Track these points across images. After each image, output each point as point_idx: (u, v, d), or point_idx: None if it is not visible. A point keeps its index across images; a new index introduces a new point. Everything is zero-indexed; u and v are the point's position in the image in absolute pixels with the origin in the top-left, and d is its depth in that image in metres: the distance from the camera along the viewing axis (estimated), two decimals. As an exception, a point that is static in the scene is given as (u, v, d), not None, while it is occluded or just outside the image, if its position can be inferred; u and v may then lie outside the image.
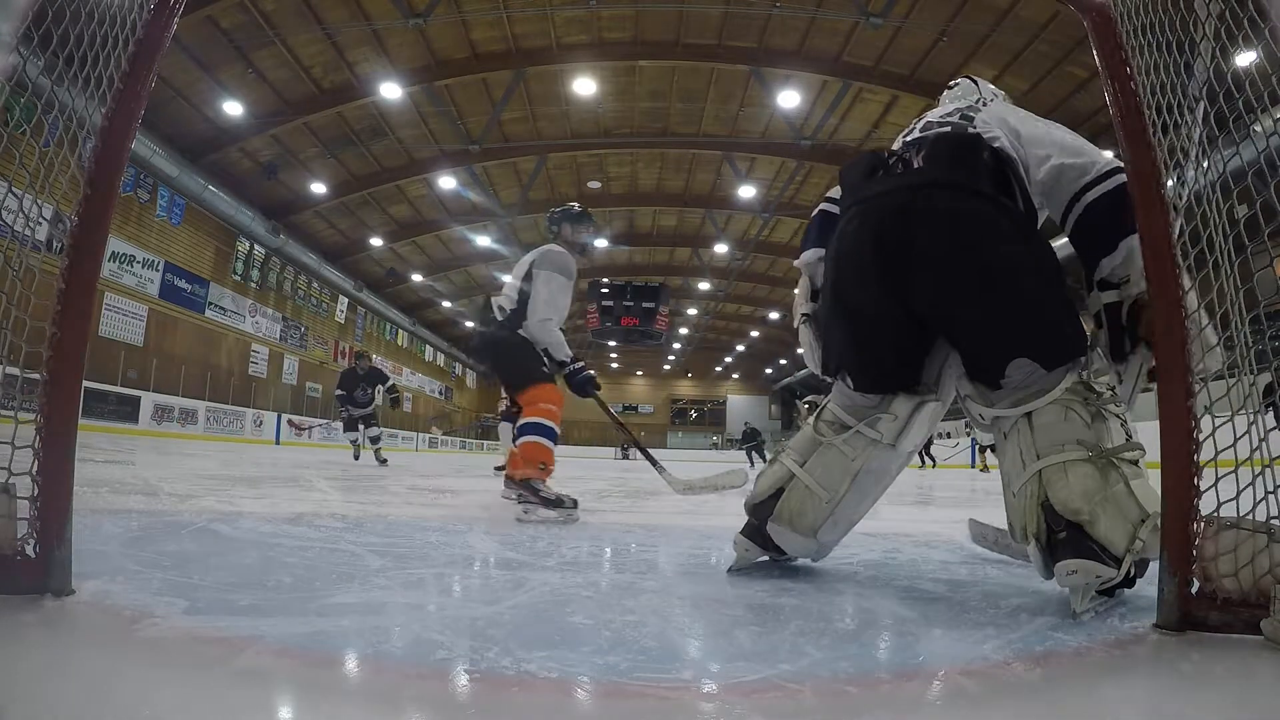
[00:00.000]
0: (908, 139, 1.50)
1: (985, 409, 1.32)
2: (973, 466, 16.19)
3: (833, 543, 1.49)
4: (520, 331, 2.87)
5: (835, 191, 1.58)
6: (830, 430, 1.44)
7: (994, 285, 1.23)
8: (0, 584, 0.95)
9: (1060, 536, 1.12)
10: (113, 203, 1.09)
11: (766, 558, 1.52)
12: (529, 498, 2.63)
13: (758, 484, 1.51)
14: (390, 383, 8.83)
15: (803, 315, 1.60)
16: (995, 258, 1.23)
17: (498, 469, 7.06)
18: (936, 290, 1.26)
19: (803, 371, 37.69)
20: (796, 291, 1.66)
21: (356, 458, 8.53)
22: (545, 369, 2.87)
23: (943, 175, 1.28)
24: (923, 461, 13.75)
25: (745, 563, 1.51)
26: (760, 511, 1.47)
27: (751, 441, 20.15)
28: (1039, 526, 1.16)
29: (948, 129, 1.44)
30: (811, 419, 1.50)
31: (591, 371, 2.95)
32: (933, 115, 1.56)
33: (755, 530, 1.48)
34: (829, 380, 1.53)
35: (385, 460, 8.23)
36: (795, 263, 1.62)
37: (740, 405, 43.90)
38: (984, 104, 1.61)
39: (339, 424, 10.28)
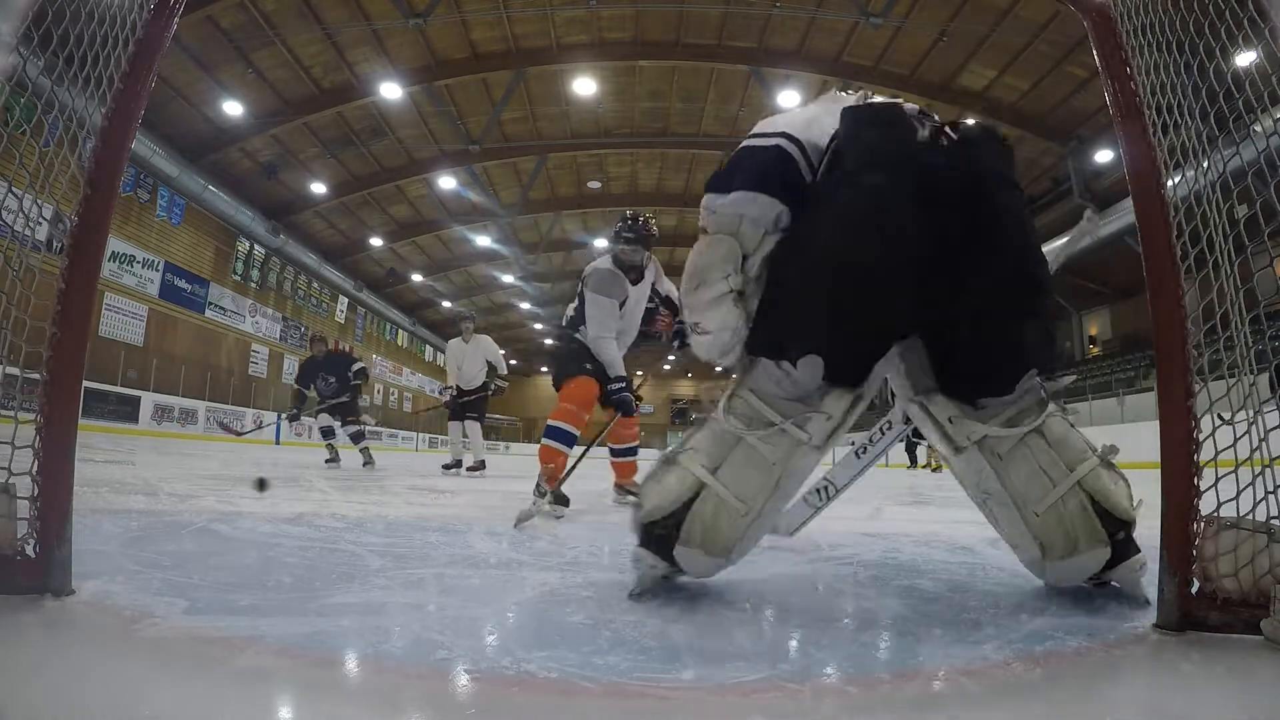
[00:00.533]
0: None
1: (976, 427, 1.20)
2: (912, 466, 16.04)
3: (741, 557, 1.28)
4: (577, 335, 3.24)
5: (789, 125, 1.26)
6: (746, 425, 1.20)
7: (1039, 293, 1.21)
8: (0, 584, 0.95)
9: (1119, 538, 1.16)
10: (113, 203, 1.09)
11: (668, 572, 1.24)
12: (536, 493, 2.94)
13: (651, 494, 1.22)
14: (359, 365, 7.31)
15: (732, 291, 1.21)
16: (1041, 265, 1.21)
17: (446, 468, 6.58)
18: (988, 293, 1.15)
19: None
20: (700, 254, 1.24)
21: (331, 460, 6.76)
22: (587, 366, 3.18)
23: (1004, 170, 1.20)
24: (913, 461, 13.69)
25: (650, 582, 1.22)
26: (662, 529, 1.19)
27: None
28: (1102, 535, 1.15)
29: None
30: (720, 407, 1.23)
31: (628, 395, 3.23)
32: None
33: (663, 543, 1.19)
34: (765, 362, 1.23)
35: (371, 461, 6.90)
36: (722, 201, 1.22)
37: (740, 405, 43.81)
38: None
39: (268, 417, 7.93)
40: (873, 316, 1.17)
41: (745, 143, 1.27)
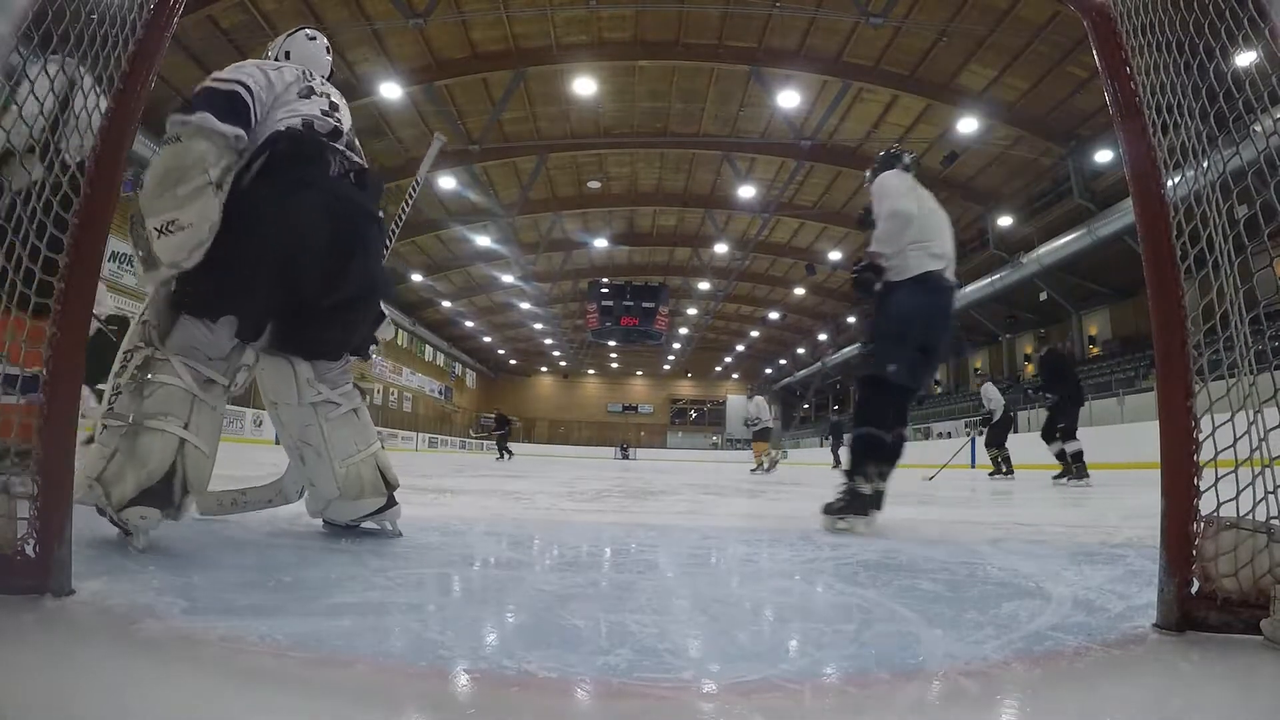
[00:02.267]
0: (333, 117, 1.76)
1: (324, 390, 1.71)
2: (972, 466, 16.17)
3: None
4: None
5: (248, 79, 1.60)
6: (197, 385, 1.46)
7: (375, 302, 1.83)
8: (0, 584, 0.95)
9: (390, 492, 1.80)
10: (113, 203, 1.09)
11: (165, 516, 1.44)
12: None
13: (129, 465, 1.37)
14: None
15: (211, 183, 1.43)
16: (384, 285, 1.91)
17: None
18: (349, 293, 1.68)
19: (803, 371, 37.66)
20: (175, 154, 1.43)
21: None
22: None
23: (374, 209, 1.77)
24: (501, 454, 13.89)
25: (148, 529, 1.39)
26: (162, 496, 1.38)
27: (501, 430, 17.63)
28: (384, 490, 1.77)
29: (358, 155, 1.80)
30: (178, 378, 1.44)
31: None
32: (336, 99, 1.83)
33: (160, 495, 1.38)
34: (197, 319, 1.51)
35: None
36: (191, 118, 1.45)
37: (740, 405, 43.85)
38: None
39: None
40: (283, 291, 1.57)
41: (207, 84, 1.57)
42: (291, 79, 1.70)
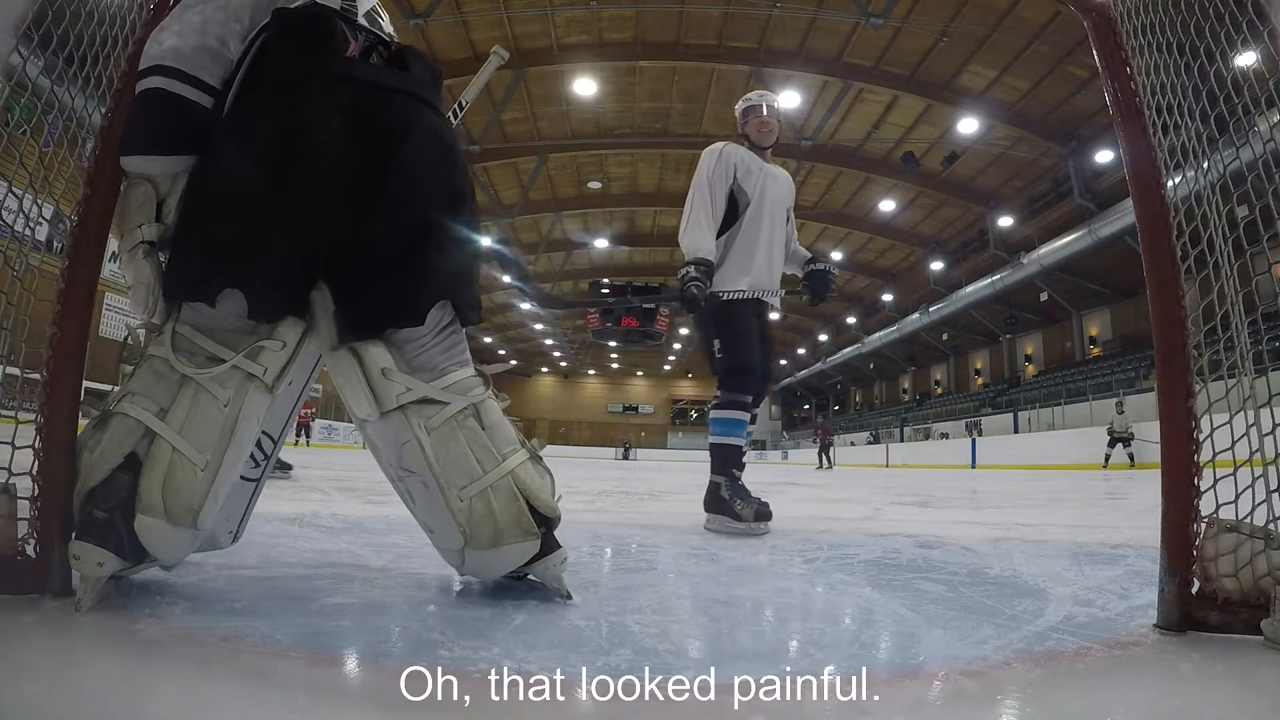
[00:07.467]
0: (354, 17, 1.23)
1: (415, 385, 1.10)
2: (973, 467, 16.18)
3: (208, 527, 1.07)
4: None
5: (174, 44, 1.07)
6: (192, 363, 1.03)
7: (452, 222, 1.19)
8: (0, 584, 0.95)
9: (543, 531, 1.13)
10: (113, 203, 1.09)
11: (137, 570, 1.06)
12: None
13: (84, 465, 0.99)
14: None
15: (144, 244, 1.07)
16: (460, 198, 1.22)
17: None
18: (401, 214, 1.11)
19: (803, 372, 37.67)
20: (120, 199, 1.11)
21: None
22: None
23: (428, 94, 1.20)
24: (821, 462, 13.66)
25: (95, 589, 0.95)
26: (107, 498, 0.97)
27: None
28: (533, 527, 1.11)
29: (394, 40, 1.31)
30: (164, 347, 1.04)
31: None
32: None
33: (106, 528, 0.96)
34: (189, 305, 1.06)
35: None
36: (126, 160, 1.08)
37: (740, 405, 43.74)
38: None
39: None
40: (288, 241, 1.05)
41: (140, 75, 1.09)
42: None
